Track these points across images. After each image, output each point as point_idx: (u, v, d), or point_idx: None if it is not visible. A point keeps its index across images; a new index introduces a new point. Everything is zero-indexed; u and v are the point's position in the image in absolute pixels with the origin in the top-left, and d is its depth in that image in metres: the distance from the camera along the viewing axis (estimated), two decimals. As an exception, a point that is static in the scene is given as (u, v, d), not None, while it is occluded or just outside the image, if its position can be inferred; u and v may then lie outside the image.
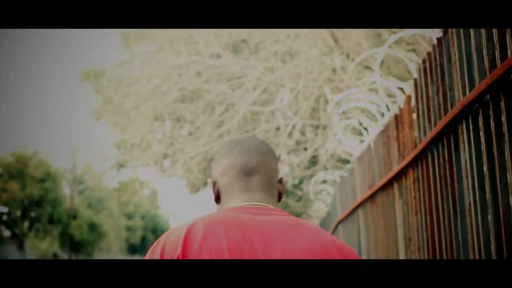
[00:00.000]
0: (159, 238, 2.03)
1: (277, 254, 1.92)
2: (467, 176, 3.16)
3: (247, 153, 2.16)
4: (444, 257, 3.70)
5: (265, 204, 2.12)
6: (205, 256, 1.88)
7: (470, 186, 3.09)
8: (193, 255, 1.89)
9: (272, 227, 1.98)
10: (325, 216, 13.89)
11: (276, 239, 1.94)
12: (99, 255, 64.86)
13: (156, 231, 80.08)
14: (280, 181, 2.24)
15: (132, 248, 74.90)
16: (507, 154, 2.60)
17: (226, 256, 1.88)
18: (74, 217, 56.13)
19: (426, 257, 4.15)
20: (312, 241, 1.96)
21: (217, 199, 2.22)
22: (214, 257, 1.88)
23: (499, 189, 2.70)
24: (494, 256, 2.80)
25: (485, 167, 2.88)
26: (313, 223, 2.12)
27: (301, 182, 21.91)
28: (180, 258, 1.89)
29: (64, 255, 57.27)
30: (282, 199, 2.25)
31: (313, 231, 2.00)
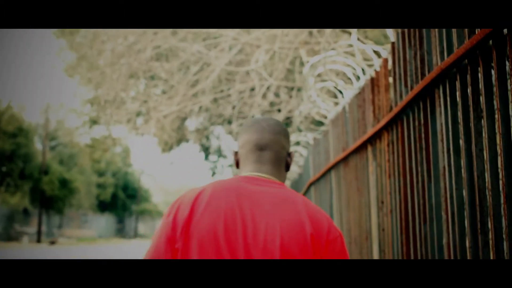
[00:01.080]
0: (177, 198, 2.53)
1: (261, 225, 2.35)
2: (442, 140, 3.18)
3: (262, 131, 2.60)
4: (416, 220, 3.74)
5: (269, 176, 2.56)
6: (207, 217, 2.36)
7: (445, 150, 3.11)
8: (197, 217, 2.37)
9: (263, 198, 2.42)
10: (297, 177, 13.93)
11: (263, 209, 2.38)
12: (69, 211, 64.81)
13: (127, 188, 79.96)
14: (289, 155, 2.69)
15: (103, 205, 74.77)
16: (483, 119, 2.62)
17: (222, 216, 2.35)
18: (46, 172, 55.91)
19: (398, 220, 4.19)
20: (291, 214, 2.37)
21: (237, 165, 2.70)
22: (217, 216, 2.36)
23: (474, 154, 2.72)
24: (466, 220, 2.83)
25: (461, 131, 2.90)
26: (298, 197, 2.47)
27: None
28: (186, 219, 2.38)
29: (34, 211, 57.17)
30: (288, 169, 2.71)
31: (294, 206, 2.41)
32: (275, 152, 2.61)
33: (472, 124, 2.75)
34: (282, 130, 2.67)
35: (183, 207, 2.43)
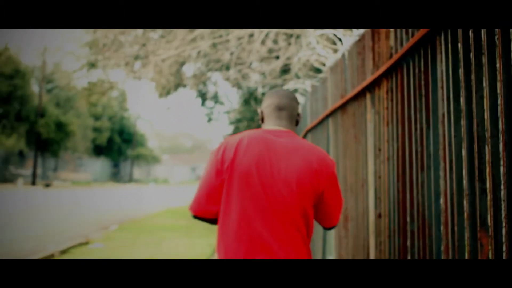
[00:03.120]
0: (222, 142, 3.45)
1: (282, 164, 3.30)
2: (442, 87, 3.17)
3: (281, 97, 3.63)
4: (414, 168, 3.74)
5: (286, 129, 3.57)
6: (246, 158, 3.28)
7: (445, 97, 3.11)
8: (239, 157, 3.29)
9: (283, 146, 3.38)
10: (294, 125, 13.95)
11: (283, 154, 3.34)
12: (65, 155, 64.87)
13: (123, 133, 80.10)
14: (298, 114, 3.69)
15: (98, 149, 74.94)
16: (484, 66, 2.61)
17: (256, 158, 3.28)
18: (42, 115, 55.91)
19: (395, 168, 4.20)
20: (303, 156, 3.35)
21: (262, 121, 3.69)
22: (252, 158, 3.28)
23: (474, 101, 2.72)
24: (464, 167, 2.83)
25: (461, 79, 2.89)
26: (307, 144, 3.46)
27: (271, 90, 21.88)
28: (232, 158, 3.29)
29: (30, 153, 57.23)
30: (298, 124, 3.69)
31: (305, 150, 3.39)
32: (290, 112, 3.62)
33: (473, 72, 2.74)
34: (294, 97, 3.69)
35: (228, 148, 3.36)
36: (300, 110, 3.42)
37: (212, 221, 3.42)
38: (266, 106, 3.63)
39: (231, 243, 3.22)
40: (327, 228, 3.61)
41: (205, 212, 3.34)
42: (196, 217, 3.41)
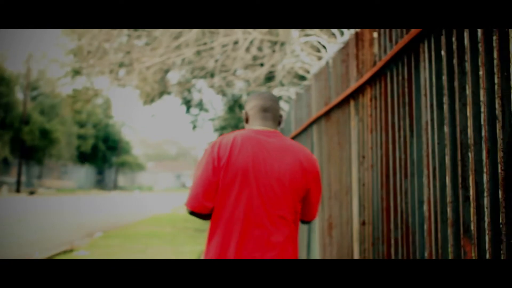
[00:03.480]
0: (215, 141, 3.64)
1: (275, 163, 3.58)
2: (425, 95, 3.18)
3: (264, 99, 3.84)
4: (397, 175, 3.75)
5: (272, 129, 3.79)
6: (241, 156, 3.52)
7: (429, 105, 3.11)
8: (235, 155, 3.52)
9: (275, 145, 3.65)
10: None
11: (276, 154, 3.62)
12: (49, 162, 64.70)
13: (108, 140, 79.87)
14: (280, 116, 3.92)
15: (83, 157, 74.71)
16: (467, 74, 2.61)
17: (250, 156, 3.53)
18: (26, 122, 55.73)
19: (379, 175, 4.20)
20: (293, 156, 3.66)
21: (246, 121, 3.89)
22: (247, 156, 3.53)
23: (457, 109, 2.72)
24: (448, 175, 2.84)
25: (444, 86, 2.89)
26: (295, 144, 3.76)
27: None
28: (228, 156, 3.51)
29: (14, 160, 57.03)
30: (280, 125, 3.93)
31: (295, 153, 3.69)
32: (274, 113, 3.85)
33: (456, 79, 2.75)
34: (277, 99, 3.92)
35: (223, 147, 3.56)
36: (283, 115, 3.68)
37: (207, 216, 3.61)
38: (251, 108, 3.85)
39: (226, 235, 3.48)
40: (307, 222, 3.95)
41: (202, 208, 3.52)
42: (192, 212, 3.56)
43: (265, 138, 3.66)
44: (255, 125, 3.81)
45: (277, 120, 3.88)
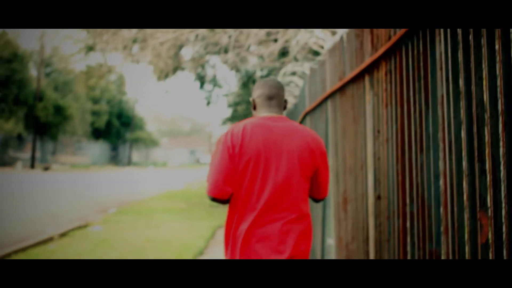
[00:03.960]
0: (227, 130, 3.96)
1: (284, 145, 3.87)
2: (441, 69, 3.17)
3: (270, 87, 4.12)
4: (413, 149, 3.75)
5: (278, 115, 4.08)
6: (252, 142, 3.83)
7: (444, 78, 3.11)
8: (246, 142, 3.82)
9: (283, 129, 3.94)
10: (292, 108, 13.92)
11: (284, 137, 3.91)
12: (64, 138, 64.89)
13: (121, 116, 79.98)
14: (285, 101, 4.21)
15: (97, 133, 74.88)
16: (483, 47, 2.61)
17: (261, 141, 3.85)
18: (40, 99, 55.85)
19: (395, 149, 4.20)
20: (300, 138, 3.95)
21: (254, 108, 4.18)
22: (258, 142, 3.83)
23: (473, 82, 2.72)
24: (463, 147, 2.84)
25: (460, 60, 2.89)
26: (301, 127, 4.06)
27: (269, 73, 21.85)
28: (240, 143, 3.81)
29: (29, 137, 57.23)
30: (285, 109, 4.23)
31: (302, 134, 3.97)
32: (279, 100, 4.13)
33: (472, 53, 2.74)
34: (282, 86, 4.20)
35: (235, 135, 3.85)
36: (292, 95, 4.01)
37: (226, 201, 3.92)
38: (258, 96, 4.16)
39: (245, 213, 3.85)
40: (318, 200, 4.28)
41: (223, 193, 3.82)
42: (214, 199, 3.84)
43: (273, 123, 3.98)
44: (263, 112, 4.13)
45: (282, 105, 4.19)
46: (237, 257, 3.75)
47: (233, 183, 3.85)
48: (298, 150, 3.92)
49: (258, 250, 3.72)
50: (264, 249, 3.72)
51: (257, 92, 4.16)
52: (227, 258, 3.84)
